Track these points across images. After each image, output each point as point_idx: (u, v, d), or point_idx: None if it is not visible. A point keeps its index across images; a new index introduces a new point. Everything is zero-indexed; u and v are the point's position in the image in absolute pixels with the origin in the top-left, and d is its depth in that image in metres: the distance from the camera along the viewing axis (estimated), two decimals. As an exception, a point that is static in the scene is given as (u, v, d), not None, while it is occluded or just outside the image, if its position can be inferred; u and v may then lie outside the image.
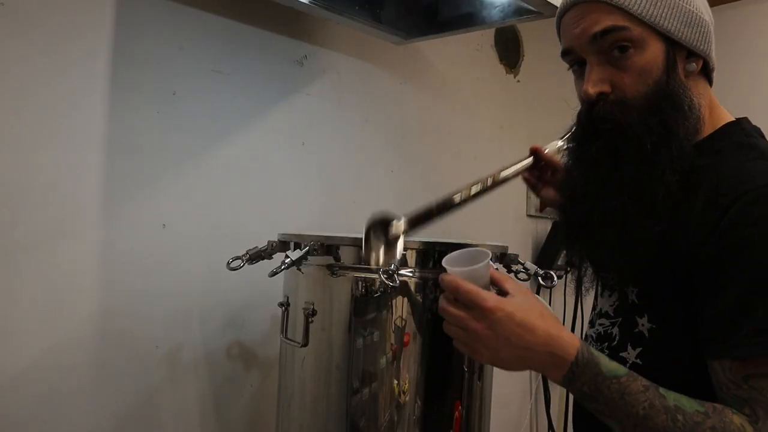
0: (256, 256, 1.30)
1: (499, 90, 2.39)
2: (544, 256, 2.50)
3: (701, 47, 0.81)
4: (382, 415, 1.15)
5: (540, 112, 2.50)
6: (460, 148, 2.25)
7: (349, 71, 1.86)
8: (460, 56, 2.26)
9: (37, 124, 1.23)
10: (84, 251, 1.30)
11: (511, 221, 2.45)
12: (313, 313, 1.18)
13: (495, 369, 1.34)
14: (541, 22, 1.70)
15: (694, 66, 0.81)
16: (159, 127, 1.42)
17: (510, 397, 2.52)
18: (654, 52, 0.78)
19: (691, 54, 0.81)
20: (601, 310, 0.94)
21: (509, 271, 1.26)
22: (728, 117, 0.85)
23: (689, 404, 0.71)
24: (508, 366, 0.76)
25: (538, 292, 2.23)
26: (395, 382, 1.15)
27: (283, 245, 1.31)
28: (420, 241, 1.21)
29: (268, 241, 1.32)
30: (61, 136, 1.26)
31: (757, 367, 0.69)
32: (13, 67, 1.20)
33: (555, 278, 1.17)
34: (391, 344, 1.15)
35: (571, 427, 1.12)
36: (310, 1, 1.51)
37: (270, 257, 1.32)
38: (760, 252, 0.70)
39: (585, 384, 0.71)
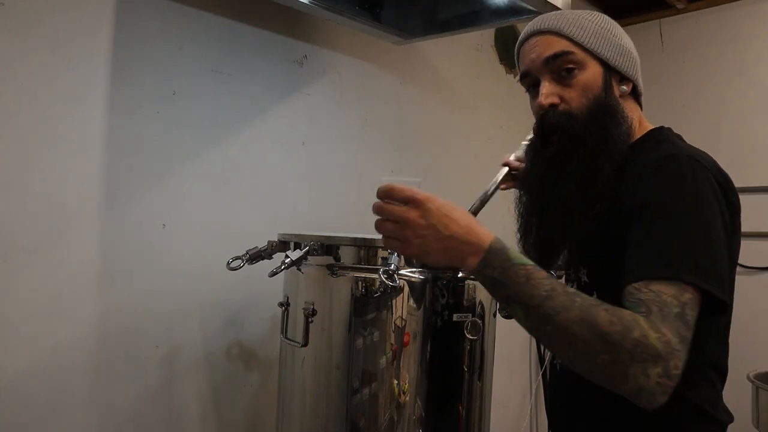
0: (256, 256, 1.30)
1: (499, 90, 2.39)
2: (544, 256, 2.50)
3: (631, 73, 1.00)
4: (382, 415, 1.15)
5: (540, 112, 2.50)
6: (460, 148, 2.25)
7: (349, 71, 1.86)
8: (460, 56, 2.26)
9: (37, 124, 1.23)
10: (84, 251, 1.30)
11: (511, 221, 2.44)
12: (313, 313, 1.18)
13: (495, 369, 1.34)
14: (541, 22, 1.70)
15: (626, 88, 1.00)
16: (159, 127, 1.42)
17: (510, 397, 2.52)
18: (594, 73, 0.97)
19: (624, 79, 1.00)
20: None
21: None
22: (651, 127, 1.04)
23: (560, 290, 0.80)
24: (433, 257, 0.84)
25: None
26: (395, 382, 1.15)
27: (283, 245, 1.31)
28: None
29: (268, 241, 1.32)
30: (61, 136, 1.26)
31: (658, 279, 0.80)
32: (13, 67, 1.20)
33: (554, 276, 1.17)
34: (391, 344, 1.15)
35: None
36: (310, 1, 1.51)
37: (270, 257, 1.32)
38: (656, 200, 0.86)
39: (496, 269, 0.80)
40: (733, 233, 0.89)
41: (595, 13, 1.01)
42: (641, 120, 1.04)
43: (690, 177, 0.86)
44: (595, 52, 0.96)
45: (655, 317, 0.76)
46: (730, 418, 0.95)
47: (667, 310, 0.77)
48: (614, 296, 0.85)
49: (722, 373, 0.96)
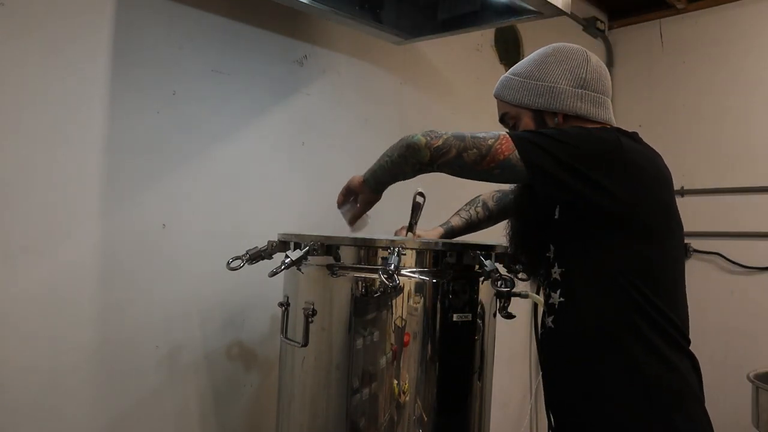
0: (256, 256, 1.30)
1: (499, 90, 2.38)
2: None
3: (555, 107, 1.20)
4: (382, 415, 1.15)
5: (540, 112, 2.50)
6: (460, 148, 2.25)
7: (349, 71, 1.86)
8: (460, 56, 2.26)
9: (37, 124, 1.23)
10: (84, 251, 1.30)
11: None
12: (313, 313, 1.18)
13: (495, 369, 1.34)
14: (541, 22, 1.71)
15: (558, 119, 1.20)
16: (159, 127, 1.42)
17: (510, 397, 2.52)
18: (526, 121, 1.24)
19: (555, 112, 1.20)
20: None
21: (509, 270, 1.26)
22: None
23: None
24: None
25: (537, 292, 2.23)
26: (395, 382, 1.15)
27: (283, 245, 1.31)
28: (420, 242, 1.21)
29: (268, 241, 1.32)
30: (61, 136, 1.26)
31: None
32: (13, 67, 1.20)
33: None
34: (391, 344, 1.15)
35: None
36: (310, 1, 1.51)
37: (270, 257, 1.32)
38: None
39: (371, 172, 1.30)
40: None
41: (533, 57, 1.24)
42: None
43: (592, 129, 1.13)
44: (518, 104, 1.23)
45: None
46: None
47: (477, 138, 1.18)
48: (555, 243, 1.16)
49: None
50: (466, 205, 1.60)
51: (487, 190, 1.50)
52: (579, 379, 1.12)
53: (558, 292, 1.14)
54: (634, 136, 1.16)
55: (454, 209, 1.60)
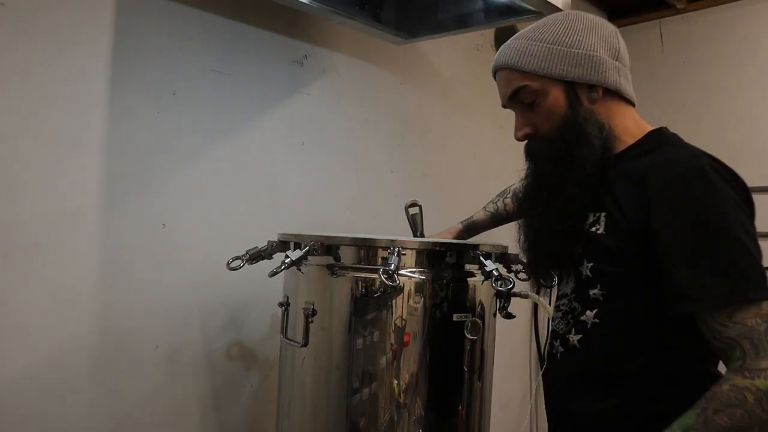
0: (256, 256, 1.30)
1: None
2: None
3: (595, 78, 1.00)
4: (382, 415, 1.15)
5: (540, 112, 2.50)
6: (460, 148, 2.25)
7: (349, 71, 1.86)
8: (460, 56, 2.26)
9: (36, 124, 1.23)
10: (84, 251, 1.30)
11: (511, 222, 2.44)
12: (313, 313, 1.18)
13: (495, 369, 1.34)
14: (541, 22, 1.70)
15: (596, 95, 1.02)
16: (159, 127, 1.42)
17: (510, 397, 2.52)
18: (555, 96, 1.01)
19: (592, 85, 1.01)
20: (563, 293, 1.11)
21: (509, 271, 1.26)
22: (649, 127, 1.06)
23: (689, 419, 0.88)
24: None
25: (538, 293, 2.23)
26: (395, 382, 1.15)
27: (283, 245, 1.31)
28: (419, 242, 1.21)
29: (268, 241, 1.32)
30: (61, 136, 1.26)
31: (733, 306, 0.87)
32: (13, 67, 1.20)
33: (555, 278, 1.18)
34: (391, 344, 1.15)
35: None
36: (310, 1, 1.51)
37: (270, 257, 1.32)
38: (694, 218, 0.90)
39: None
40: None
41: (549, 23, 1.04)
42: (635, 120, 1.07)
43: (719, 189, 0.90)
44: (549, 75, 1.01)
45: (751, 357, 0.85)
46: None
47: (757, 335, 0.85)
48: (613, 288, 0.99)
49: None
50: (496, 196, 1.51)
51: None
52: (601, 401, 1.01)
53: (595, 311, 1.02)
54: (723, 167, 0.96)
55: (454, 216, 1.60)
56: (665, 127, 1.06)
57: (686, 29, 2.83)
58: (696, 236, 0.90)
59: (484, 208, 1.51)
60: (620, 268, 0.97)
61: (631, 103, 1.07)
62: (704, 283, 0.88)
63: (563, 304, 1.10)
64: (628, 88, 1.05)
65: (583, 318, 1.03)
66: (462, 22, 1.73)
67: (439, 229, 1.58)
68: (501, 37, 2.38)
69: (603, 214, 1.00)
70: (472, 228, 1.49)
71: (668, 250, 0.91)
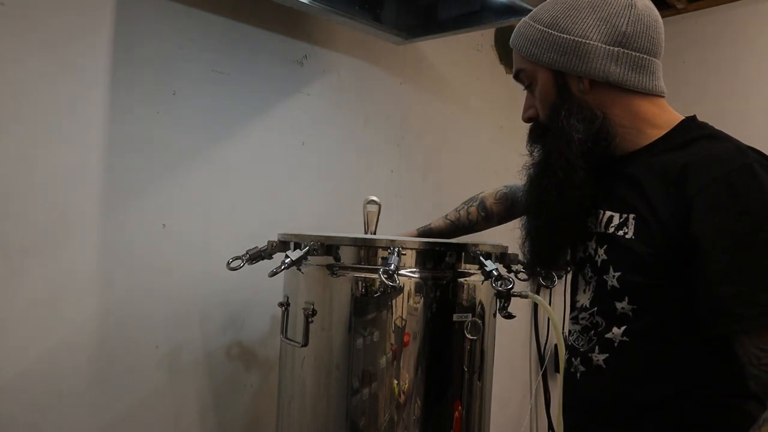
0: (256, 256, 1.30)
1: (499, 90, 2.39)
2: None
3: (580, 69, 0.92)
4: (382, 415, 1.15)
5: (540, 112, 2.49)
6: (460, 148, 2.25)
7: (349, 71, 1.86)
8: (460, 56, 2.26)
9: (37, 124, 1.23)
10: (84, 251, 1.30)
11: (511, 222, 2.44)
12: (313, 313, 1.18)
13: (495, 369, 1.34)
14: (541, 22, 1.70)
15: (582, 86, 0.93)
16: (159, 127, 1.42)
17: (510, 397, 2.52)
18: (544, 82, 0.96)
19: (581, 76, 0.93)
20: (582, 305, 1.01)
21: (509, 271, 1.26)
22: (678, 117, 0.96)
23: None
24: None
25: (538, 292, 2.23)
26: (395, 382, 1.15)
27: (283, 245, 1.31)
28: (419, 242, 1.21)
29: (268, 241, 1.32)
30: (61, 136, 1.26)
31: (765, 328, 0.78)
32: (13, 67, 1.20)
33: (555, 278, 1.18)
34: (391, 344, 1.15)
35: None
36: (310, 1, 1.51)
37: (270, 257, 1.32)
38: (741, 225, 0.80)
39: None
40: None
41: (557, 2, 0.96)
42: (656, 110, 0.96)
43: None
44: (537, 62, 0.96)
45: None
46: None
47: None
48: (643, 302, 0.88)
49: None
50: (462, 203, 1.45)
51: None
52: (629, 424, 0.92)
53: (623, 329, 0.91)
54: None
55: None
56: (695, 117, 0.96)
57: (686, 29, 2.83)
58: (744, 245, 0.79)
59: (446, 216, 1.43)
60: (652, 278, 0.87)
61: (638, 91, 0.94)
62: (749, 299, 0.78)
63: (583, 318, 0.99)
64: (630, 76, 0.92)
65: (608, 335, 0.93)
66: (462, 22, 1.73)
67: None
68: (501, 37, 2.38)
69: (632, 215, 0.89)
70: (426, 235, 1.41)
71: (711, 260, 0.80)
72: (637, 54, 0.92)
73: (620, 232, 0.90)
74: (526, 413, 2.59)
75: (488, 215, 1.39)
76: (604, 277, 0.93)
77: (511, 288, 1.07)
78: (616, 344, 0.92)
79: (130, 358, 1.37)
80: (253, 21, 1.60)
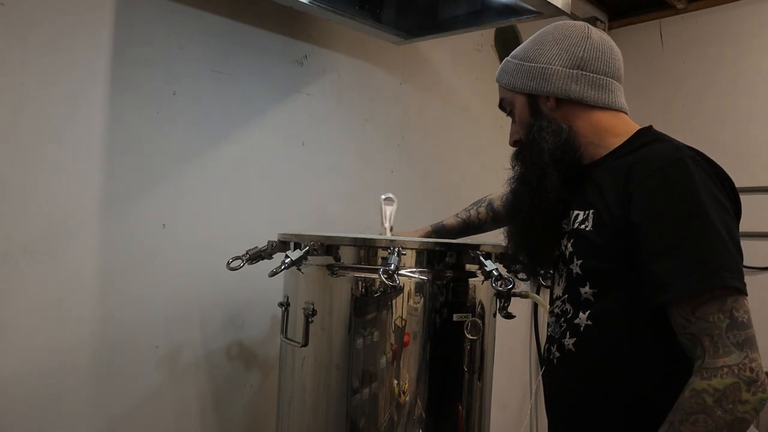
0: (256, 256, 1.30)
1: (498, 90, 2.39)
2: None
3: (545, 90, 1.09)
4: (382, 415, 1.15)
5: (540, 112, 2.50)
6: (459, 148, 2.25)
7: (349, 71, 1.86)
8: (460, 56, 2.26)
9: (37, 124, 1.23)
10: (84, 251, 1.30)
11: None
12: (313, 313, 1.18)
13: (495, 369, 1.34)
14: (541, 22, 1.70)
15: (549, 104, 1.09)
16: (159, 127, 1.42)
17: (510, 397, 2.52)
18: (520, 106, 1.13)
19: (548, 96, 1.09)
20: (556, 295, 1.12)
21: (509, 270, 1.26)
22: (636, 127, 1.09)
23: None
24: None
25: (538, 292, 2.23)
26: (395, 382, 1.15)
27: (283, 245, 1.31)
28: (419, 242, 1.21)
29: (268, 241, 1.32)
30: (61, 136, 1.26)
31: (698, 299, 0.87)
32: (13, 67, 1.20)
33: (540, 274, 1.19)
34: (391, 344, 1.15)
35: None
36: (310, 1, 1.51)
37: (270, 257, 1.32)
38: (670, 208, 0.91)
39: None
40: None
41: (533, 38, 1.13)
42: (616, 123, 1.08)
43: (697, 180, 0.91)
44: (512, 89, 1.13)
45: (709, 355, 0.85)
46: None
47: (717, 332, 0.85)
48: (602, 285, 1.00)
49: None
50: (471, 204, 1.54)
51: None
52: (599, 407, 1.01)
53: (587, 313, 1.01)
54: (707, 162, 0.98)
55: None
56: (651, 126, 1.09)
57: (686, 29, 2.83)
58: (674, 227, 0.90)
59: (457, 214, 1.54)
60: (607, 263, 0.99)
61: (598, 106, 1.08)
62: (677, 272, 0.88)
63: (557, 307, 1.10)
64: (589, 93, 1.07)
65: (576, 321, 1.03)
66: (462, 22, 1.73)
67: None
68: (501, 37, 2.38)
69: (592, 211, 1.02)
70: (440, 232, 1.52)
71: (646, 240, 0.92)
72: (595, 75, 1.08)
73: (582, 226, 1.03)
74: (526, 413, 2.59)
75: (496, 217, 1.50)
76: (571, 266, 1.05)
77: (511, 288, 1.08)
78: (582, 328, 1.02)
79: (130, 358, 1.37)
80: (253, 21, 1.60)
